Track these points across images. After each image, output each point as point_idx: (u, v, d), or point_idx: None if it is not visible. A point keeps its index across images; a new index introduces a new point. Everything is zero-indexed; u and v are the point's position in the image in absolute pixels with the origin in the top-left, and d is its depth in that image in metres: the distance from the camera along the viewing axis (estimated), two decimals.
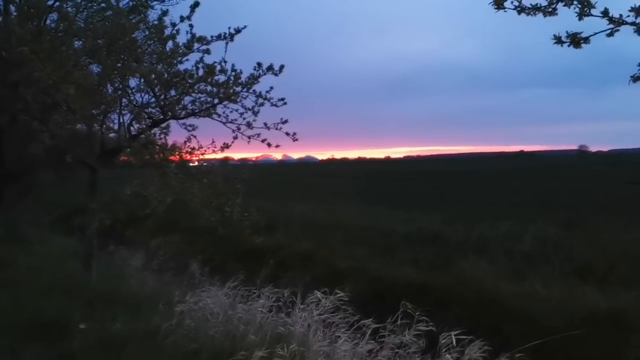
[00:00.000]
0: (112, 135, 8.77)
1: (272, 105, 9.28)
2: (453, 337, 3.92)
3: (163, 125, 8.95)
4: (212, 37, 8.32)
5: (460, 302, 8.46)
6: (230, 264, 13.54)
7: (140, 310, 6.28)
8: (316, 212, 18.56)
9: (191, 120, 9.42)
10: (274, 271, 12.34)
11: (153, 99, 8.76)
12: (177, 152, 8.66)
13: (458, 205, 20.40)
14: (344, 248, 12.69)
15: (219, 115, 9.41)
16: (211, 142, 8.73)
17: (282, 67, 9.06)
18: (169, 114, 8.87)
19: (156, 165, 8.10)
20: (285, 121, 9.43)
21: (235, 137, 8.90)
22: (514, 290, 8.52)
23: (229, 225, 11.14)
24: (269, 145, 9.33)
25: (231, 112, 9.32)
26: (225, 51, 8.83)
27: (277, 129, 9.43)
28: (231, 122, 9.36)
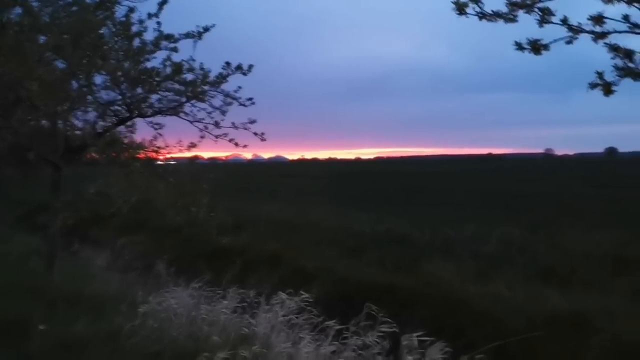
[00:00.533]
0: (77, 132, 8.60)
1: (241, 104, 9.23)
2: (415, 338, 3.95)
3: (129, 123, 8.82)
4: (180, 35, 8.24)
5: (426, 304, 8.54)
6: (197, 264, 13.39)
7: (103, 311, 6.17)
8: (284, 213, 18.52)
9: (158, 119, 9.31)
10: (241, 272, 12.30)
11: (119, 97, 8.62)
12: (143, 151, 8.55)
13: (426, 207, 20.62)
14: (312, 249, 12.68)
15: (187, 114, 9.32)
16: (178, 141, 8.66)
17: (250, 66, 9.01)
18: (135, 112, 8.75)
19: (122, 164, 7.97)
20: (254, 121, 9.38)
21: (202, 137, 8.83)
22: (479, 291, 8.64)
23: (196, 225, 11.05)
24: (236, 145, 9.28)
25: (199, 111, 9.24)
26: (194, 50, 8.77)
27: (245, 128, 9.39)
28: (198, 121, 9.28)
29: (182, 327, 5.16)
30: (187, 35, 8.27)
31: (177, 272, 11.41)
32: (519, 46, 2.93)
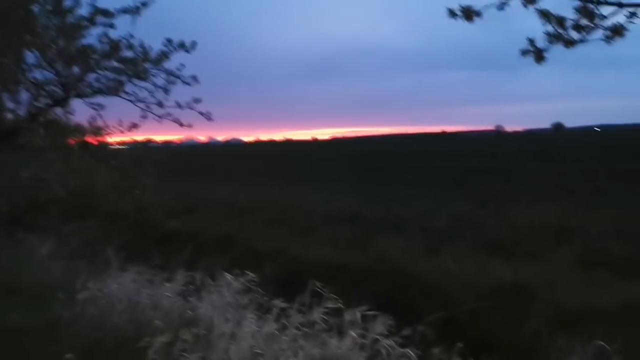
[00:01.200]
0: (8, 115, 8.18)
1: (184, 83, 8.97)
2: (358, 313, 3.93)
3: (66, 104, 8.46)
4: (116, 10, 7.90)
5: (377, 280, 8.59)
6: (148, 248, 13.11)
7: (42, 300, 5.93)
8: (238, 194, 18.33)
9: (98, 99, 8.96)
10: (192, 255, 12.09)
11: (54, 76, 8.25)
12: (82, 133, 8.23)
13: (379, 186, 20.79)
14: (265, 229, 12.59)
15: (128, 94, 9.00)
16: (118, 122, 8.36)
17: (194, 43, 8.75)
18: (72, 92, 8.39)
19: (58, 147, 7.65)
20: (199, 100, 9.14)
21: (144, 117, 8.56)
22: (428, 266, 8.75)
23: (142, 209, 10.75)
24: (181, 125, 9.03)
25: (140, 90, 8.93)
26: (133, 26, 8.43)
27: (190, 108, 9.14)
28: (141, 101, 8.97)
29: (123, 313, 5.00)
30: (125, 11, 7.93)
31: (127, 257, 11.17)
32: (452, 13, 2.89)
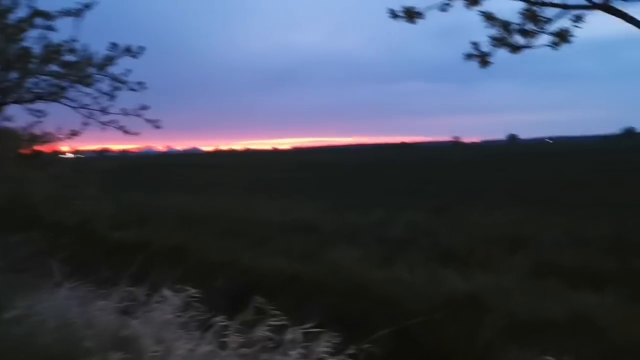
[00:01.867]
0: None
1: (130, 89, 8.65)
2: (299, 332, 3.73)
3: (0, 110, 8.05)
4: (57, 12, 7.54)
5: (330, 291, 8.40)
6: (96, 261, 12.61)
7: None
8: (192, 204, 17.90)
9: (38, 105, 8.57)
10: (142, 267, 11.64)
11: None
12: (18, 141, 7.81)
13: (336, 196, 20.68)
14: (218, 240, 12.25)
15: (71, 100, 8.62)
16: (57, 129, 7.99)
17: (141, 48, 8.44)
18: (10, 97, 7.98)
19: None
20: (146, 107, 8.84)
21: (86, 123, 8.21)
22: (381, 276, 8.62)
23: (88, 220, 10.29)
24: (126, 132, 8.70)
25: (84, 96, 8.57)
26: (77, 30, 8.06)
27: (136, 115, 8.81)
28: (84, 107, 8.60)
29: (53, 333, 4.64)
30: (66, 13, 7.58)
31: (72, 270, 10.66)
32: (394, 14, 2.75)
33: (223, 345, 3.85)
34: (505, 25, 2.84)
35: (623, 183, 21.74)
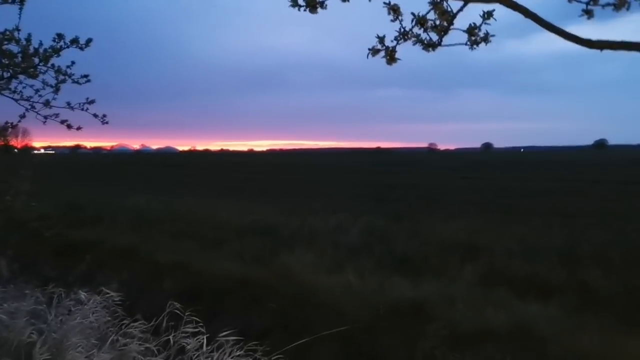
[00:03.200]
0: None
1: (74, 82, 8.34)
2: (201, 341, 3.51)
3: None
4: None
5: (276, 296, 8.19)
6: (47, 260, 12.22)
7: None
8: (151, 204, 17.52)
9: None
10: (91, 268, 11.30)
11: None
12: None
13: (301, 199, 20.48)
14: (171, 241, 11.95)
15: (13, 92, 8.28)
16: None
17: (89, 40, 8.13)
18: None
19: None
20: (92, 101, 8.51)
21: (23, 116, 7.87)
22: (330, 281, 8.45)
23: (40, 218, 9.90)
24: (69, 127, 8.37)
25: (24, 87, 8.24)
26: (19, 17, 7.74)
27: (82, 109, 8.50)
28: (26, 100, 8.28)
29: None
30: (5, 1, 7.24)
31: (21, 269, 10.25)
32: (294, 2, 2.56)
33: (124, 354, 3.61)
34: (422, 20, 2.66)
35: (586, 194, 22.01)
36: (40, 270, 11.33)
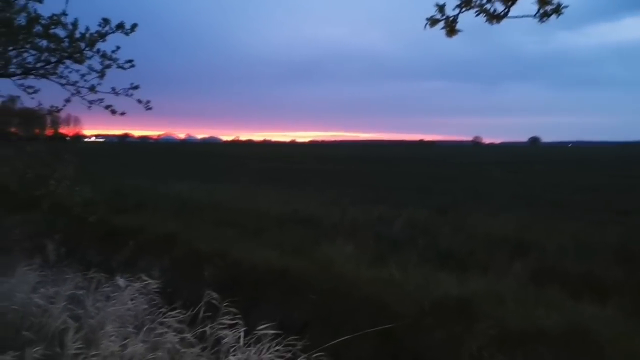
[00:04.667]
0: None
1: (119, 67, 8.32)
2: (241, 335, 3.33)
3: None
4: None
5: (317, 288, 8.00)
6: (91, 245, 12.41)
7: None
8: (194, 192, 17.60)
9: (29, 81, 8.28)
10: (133, 253, 11.38)
11: None
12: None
13: (344, 190, 20.24)
14: (212, 229, 11.92)
15: (60, 77, 8.32)
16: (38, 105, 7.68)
17: (134, 25, 8.09)
18: None
19: None
20: (136, 87, 8.50)
21: (68, 100, 7.89)
22: (372, 275, 8.20)
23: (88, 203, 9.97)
24: (113, 112, 8.38)
25: (70, 72, 8.26)
26: (66, 3, 7.76)
27: (127, 95, 8.49)
28: (72, 85, 8.31)
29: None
30: None
31: (68, 253, 10.42)
32: None
33: (158, 344, 3.48)
34: None
35: (638, 191, 20.99)
36: (84, 255, 11.54)
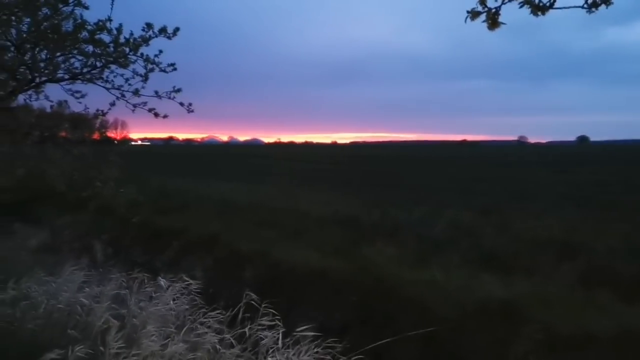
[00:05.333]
0: None
1: (161, 70, 8.46)
2: (280, 336, 3.31)
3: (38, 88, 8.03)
4: None
5: (357, 289, 7.93)
6: (136, 245, 12.69)
7: None
8: (236, 193, 17.78)
9: (77, 86, 8.53)
10: (176, 254, 11.57)
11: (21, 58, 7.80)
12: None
13: (385, 190, 20.07)
14: (254, 230, 12.00)
15: (106, 81, 8.53)
16: (85, 109, 7.87)
17: (177, 29, 8.24)
18: (44, 75, 7.95)
19: (17, 133, 7.13)
20: (178, 90, 8.62)
21: (113, 104, 8.06)
22: (413, 276, 8.07)
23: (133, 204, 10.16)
24: (156, 115, 8.52)
25: (115, 77, 8.45)
26: (111, 9, 7.94)
27: (169, 97, 8.62)
28: (117, 89, 8.49)
29: (42, 318, 4.42)
30: None
31: (115, 253, 10.69)
32: None
33: (198, 344, 3.49)
34: None
35: None
36: (129, 255, 11.80)
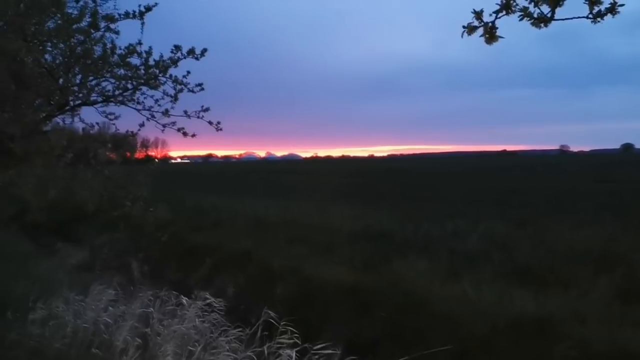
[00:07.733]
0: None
1: (189, 91, 8.63)
2: (293, 354, 3.29)
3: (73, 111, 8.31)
4: (119, 15, 7.63)
5: (387, 305, 7.85)
6: (171, 263, 12.89)
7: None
8: (269, 209, 17.89)
9: (110, 108, 8.79)
10: (209, 271, 11.69)
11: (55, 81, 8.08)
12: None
13: (417, 204, 19.86)
14: (285, 246, 12.04)
15: (137, 103, 8.75)
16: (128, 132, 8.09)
17: (204, 51, 8.40)
18: (78, 99, 8.22)
19: (49, 156, 7.36)
20: (207, 109, 8.78)
21: (142, 125, 8.25)
22: (444, 291, 7.94)
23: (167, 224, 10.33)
24: (184, 134, 8.68)
25: (145, 98, 8.66)
26: (141, 31, 8.16)
27: (198, 117, 8.79)
28: (147, 110, 8.69)
29: (68, 338, 4.53)
30: (128, 16, 7.66)
31: (151, 271, 10.89)
32: None
33: None
34: None
35: None
36: (163, 273, 11.99)
